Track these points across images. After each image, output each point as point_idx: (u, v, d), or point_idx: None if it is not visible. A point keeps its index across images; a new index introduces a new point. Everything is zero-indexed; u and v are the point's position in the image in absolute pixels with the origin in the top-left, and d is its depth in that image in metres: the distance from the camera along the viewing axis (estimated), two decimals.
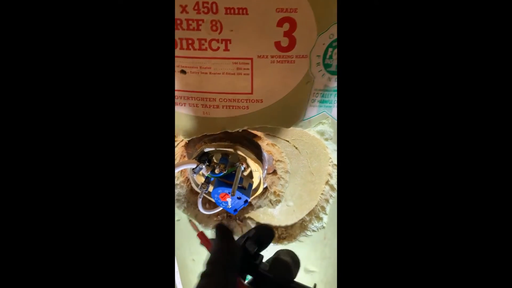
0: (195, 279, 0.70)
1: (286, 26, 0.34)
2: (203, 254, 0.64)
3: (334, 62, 0.37)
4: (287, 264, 0.29)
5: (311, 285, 0.28)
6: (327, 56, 0.37)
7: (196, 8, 0.33)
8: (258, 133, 0.49)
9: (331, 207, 0.55)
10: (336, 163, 0.50)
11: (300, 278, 0.70)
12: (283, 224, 0.60)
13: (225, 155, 0.50)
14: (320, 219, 0.57)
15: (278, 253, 0.32)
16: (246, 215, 0.60)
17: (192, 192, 0.58)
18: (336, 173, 0.52)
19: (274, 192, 0.56)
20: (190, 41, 0.35)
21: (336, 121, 0.43)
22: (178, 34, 0.35)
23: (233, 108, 0.40)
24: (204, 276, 0.25)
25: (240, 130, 0.44)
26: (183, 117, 0.41)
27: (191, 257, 0.65)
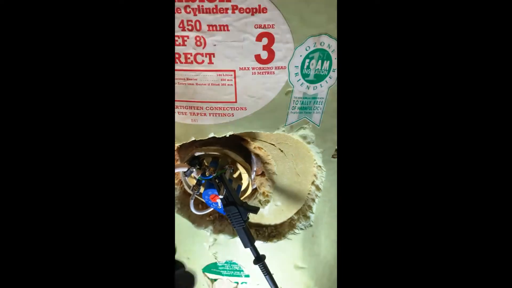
0: None
1: (265, 41, 0.37)
2: (197, 253, 0.67)
3: (312, 72, 0.40)
4: None
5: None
6: (305, 67, 0.39)
7: (181, 26, 0.36)
8: (246, 137, 0.51)
9: (317, 206, 0.58)
10: (320, 164, 0.53)
11: (290, 274, 0.72)
12: (272, 223, 0.63)
13: (215, 158, 0.52)
14: (308, 218, 0.59)
15: None
16: None
17: (185, 194, 0.61)
18: (320, 174, 0.54)
19: (263, 193, 0.59)
20: (177, 55, 0.38)
21: (317, 126, 0.45)
22: None
23: (219, 115, 0.43)
24: None
25: (227, 135, 0.47)
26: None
27: (185, 256, 0.68)
